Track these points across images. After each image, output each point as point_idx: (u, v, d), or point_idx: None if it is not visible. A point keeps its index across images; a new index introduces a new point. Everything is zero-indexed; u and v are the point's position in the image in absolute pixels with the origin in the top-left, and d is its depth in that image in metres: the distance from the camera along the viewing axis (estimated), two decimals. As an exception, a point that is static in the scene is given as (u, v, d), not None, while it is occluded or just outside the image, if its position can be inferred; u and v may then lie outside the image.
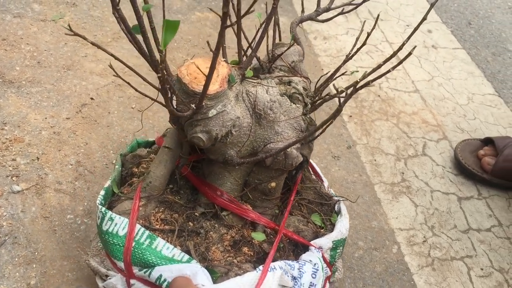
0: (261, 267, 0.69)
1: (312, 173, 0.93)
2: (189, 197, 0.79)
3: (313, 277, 0.73)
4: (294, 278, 0.71)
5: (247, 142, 0.71)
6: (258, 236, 0.75)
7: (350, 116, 1.35)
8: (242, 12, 0.69)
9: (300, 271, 0.72)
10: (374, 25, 0.74)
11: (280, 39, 0.86)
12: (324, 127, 0.67)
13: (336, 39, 1.63)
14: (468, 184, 1.24)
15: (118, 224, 0.70)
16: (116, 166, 0.83)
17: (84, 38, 0.58)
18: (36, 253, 0.89)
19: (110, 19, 1.44)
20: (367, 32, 0.76)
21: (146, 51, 0.60)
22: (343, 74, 0.83)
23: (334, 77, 0.79)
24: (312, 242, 0.77)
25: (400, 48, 0.64)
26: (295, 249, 0.78)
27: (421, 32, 1.79)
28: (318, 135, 0.78)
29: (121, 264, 0.70)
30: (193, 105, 0.63)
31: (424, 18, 0.63)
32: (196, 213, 0.76)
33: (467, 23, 1.93)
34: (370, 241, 1.05)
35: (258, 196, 0.79)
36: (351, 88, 0.63)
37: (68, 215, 0.96)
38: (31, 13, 1.38)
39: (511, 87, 1.62)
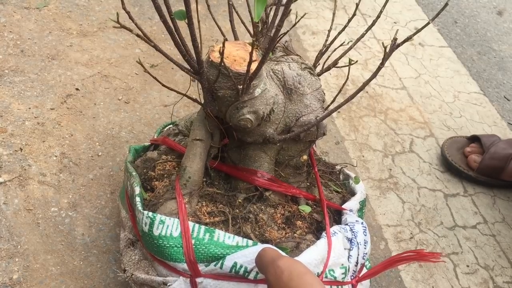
0: (324, 234, 0.71)
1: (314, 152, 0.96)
2: (225, 186, 0.79)
3: (365, 235, 0.76)
4: (349, 239, 0.74)
5: (282, 118, 0.72)
6: (306, 209, 0.77)
7: (339, 112, 1.35)
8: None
9: (353, 232, 0.74)
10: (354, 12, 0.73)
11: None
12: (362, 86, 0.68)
13: (325, 34, 1.62)
14: (454, 181, 1.25)
15: (170, 225, 0.68)
16: (134, 173, 0.79)
17: (130, 30, 0.57)
18: (19, 247, 0.86)
19: (96, 8, 1.41)
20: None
21: (184, 40, 0.61)
22: (341, 45, 0.88)
23: (332, 50, 0.85)
24: (343, 206, 0.80)
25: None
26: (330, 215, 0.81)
27: (408, 29, 1.80)
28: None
29: (183, 265, 0.67)
30: (240, 86, 0.64)
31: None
32: (239, 200, 0.76)
33: (453, 21, 1.94)
34: (358, 237, 1.05)
35: (290, 172, 0.80)
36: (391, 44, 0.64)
37: (52, 208, 0.93)
38: (14, 0, 1.34)
39: (496, 86, 1.64)
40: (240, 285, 0.66)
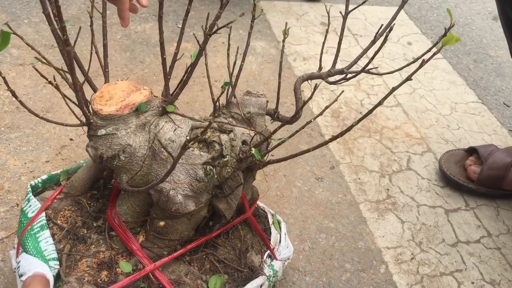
0: None
1: (257, 234, 0.86)
2: (104, 208, 0.82)
3: None
4: None
5: (140, 172, 0.71)
6: (125, 267, 0.72)
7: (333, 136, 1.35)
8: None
9: None
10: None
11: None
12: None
13: (316, 59, 1.64)
14: (455, 195, 1.23)
15: (32, 206, 0.76)
16: (81, 162, 0.89)
17: (36, 50, 0.59)
18: (17, 302, 0.88)
19: (88, 58, 1.45)
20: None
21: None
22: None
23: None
24: None
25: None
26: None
27: (401, 45, 1.80)
28: (234, 190, 0.73)
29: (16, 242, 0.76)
30: (84, 120, 0.68)
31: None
32: (95, 224, 0.79)
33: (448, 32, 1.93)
34: (357, 263, 1.04)
35: (152, 232, 0.76)
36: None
37: (49, 260, 0.95)
38: (9, 58, 1.39)
39: (494, 93, 1.62)
40: None
